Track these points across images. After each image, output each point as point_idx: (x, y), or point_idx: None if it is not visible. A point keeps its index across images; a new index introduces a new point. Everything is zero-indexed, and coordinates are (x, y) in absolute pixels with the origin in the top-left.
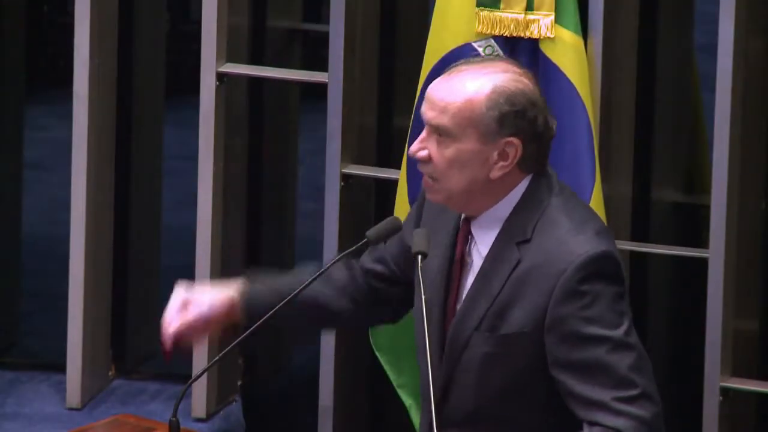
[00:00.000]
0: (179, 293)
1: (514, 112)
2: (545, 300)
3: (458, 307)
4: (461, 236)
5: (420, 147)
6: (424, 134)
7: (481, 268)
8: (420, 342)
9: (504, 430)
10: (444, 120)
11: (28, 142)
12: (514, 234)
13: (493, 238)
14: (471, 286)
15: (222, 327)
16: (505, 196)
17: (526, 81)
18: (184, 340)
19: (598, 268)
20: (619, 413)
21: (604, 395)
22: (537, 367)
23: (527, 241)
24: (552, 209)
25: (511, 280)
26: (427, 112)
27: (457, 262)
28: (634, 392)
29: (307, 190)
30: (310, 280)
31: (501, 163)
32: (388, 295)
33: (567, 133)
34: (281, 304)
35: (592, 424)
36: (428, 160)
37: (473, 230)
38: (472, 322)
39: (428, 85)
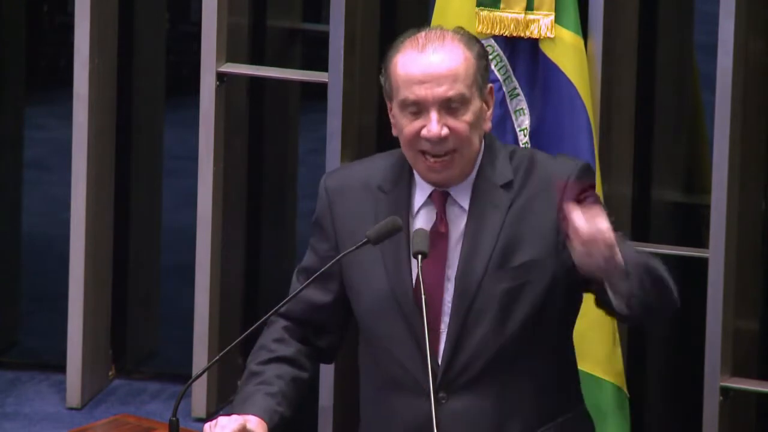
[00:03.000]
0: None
1: (486, 59)
2: (553, 218)
3: (448, 273)
4: (438, 209)
5: (441, 126)
6: (435, 114)
7: (469, 222)
8: (396, 333)
9: (519, 378)
10: (458, 87)
11: (28, 142)
12: (495, 179)
13: (469, 196)
14: (464, 242)
15: None
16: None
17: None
18: None
19: (590, 177)
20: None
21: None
22: (552, 296)
23: (511, 182)
24: (517, 150)
25: (509, 219)
26: (434, 89)
27: (443, 236)
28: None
29: (307, 190)
30: (308, 281)
31: (489, 112)
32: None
33: (567, 133)
34: (277, 308)
35: None
36: (448, 136)
37: (455, 195)
38: (479, 268)
39: None
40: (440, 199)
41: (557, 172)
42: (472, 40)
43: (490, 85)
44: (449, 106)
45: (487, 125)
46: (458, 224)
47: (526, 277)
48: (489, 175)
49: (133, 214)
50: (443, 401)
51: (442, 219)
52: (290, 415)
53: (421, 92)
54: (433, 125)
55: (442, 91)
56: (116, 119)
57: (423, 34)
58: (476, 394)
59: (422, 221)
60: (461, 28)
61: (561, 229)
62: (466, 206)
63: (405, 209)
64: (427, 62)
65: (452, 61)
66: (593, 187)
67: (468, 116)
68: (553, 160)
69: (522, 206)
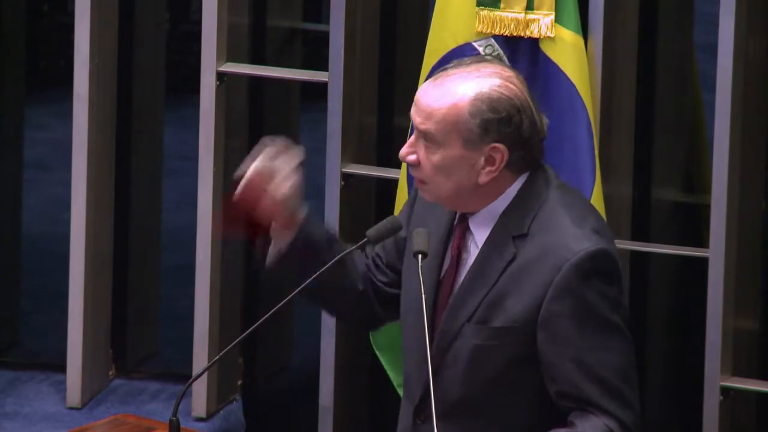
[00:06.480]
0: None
1: (497, 119)
2: (540, 295)
3: (450, 300)
4: (458, 233)
5: (409, 151)
6: (412, 138)
7: (475, 262)
8: (409, 337)
9: (485, 424)
10: (429, 126)
11: (28, 142)
12: (511, 228)
13: (487, 235)
14: (464, 279)
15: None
16: (500, 195)
17: (512, 86)
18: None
19: (595, 266)
20: (604, 415)
21: (592, 397)
22: (525, 361)
23: (524, 235)
24: (550, 204)
25: (507, 273)
26: (415, 116)
27: (453, 259)
28: (618, 399)
29: (307, 189)
30: (310, 279)
31: (488, 168)
32: (379, 294)
33: (567, 133)
34: (283, 301)
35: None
36: (417, 164)
37: (471, 226)
38: (465, 314)
39: None
40: (461, 225)
41: (559, 247)
42: (486, 96)
43: (496, 144)
44: (425, 139)
45: (481, 179)
46: (471, 255)
47: (498, 341)
48: (509, 221)
49: (133, 214)
50: (420, 422)
51: (455, 245)
52: (321, 240)
53: (411, 112)
54: (404, 147)
55: (417, 120)
56: (116, 119)
57: (463, 62)
58: (445, 428)
59: (452, 241)
60: (511, 80)
61: (540, 310)
62: (480, 243)
63: (449, 225)
64: (424, 90)
65: (437, 101)
66: (600, 273)
67: (435, 157)
68: (572, 228)
69: (520, 266)
